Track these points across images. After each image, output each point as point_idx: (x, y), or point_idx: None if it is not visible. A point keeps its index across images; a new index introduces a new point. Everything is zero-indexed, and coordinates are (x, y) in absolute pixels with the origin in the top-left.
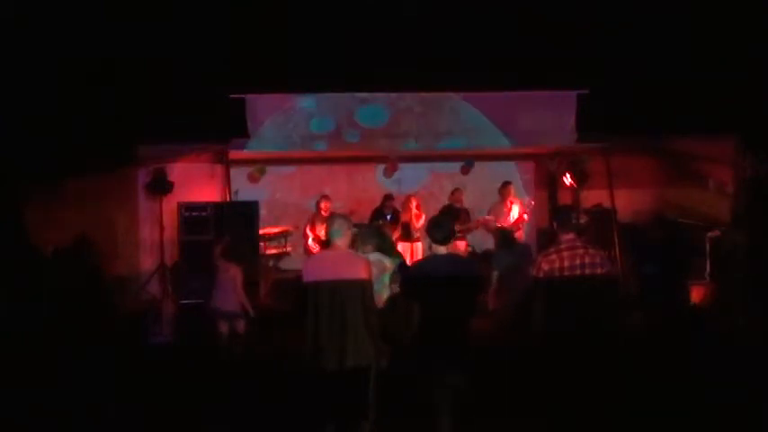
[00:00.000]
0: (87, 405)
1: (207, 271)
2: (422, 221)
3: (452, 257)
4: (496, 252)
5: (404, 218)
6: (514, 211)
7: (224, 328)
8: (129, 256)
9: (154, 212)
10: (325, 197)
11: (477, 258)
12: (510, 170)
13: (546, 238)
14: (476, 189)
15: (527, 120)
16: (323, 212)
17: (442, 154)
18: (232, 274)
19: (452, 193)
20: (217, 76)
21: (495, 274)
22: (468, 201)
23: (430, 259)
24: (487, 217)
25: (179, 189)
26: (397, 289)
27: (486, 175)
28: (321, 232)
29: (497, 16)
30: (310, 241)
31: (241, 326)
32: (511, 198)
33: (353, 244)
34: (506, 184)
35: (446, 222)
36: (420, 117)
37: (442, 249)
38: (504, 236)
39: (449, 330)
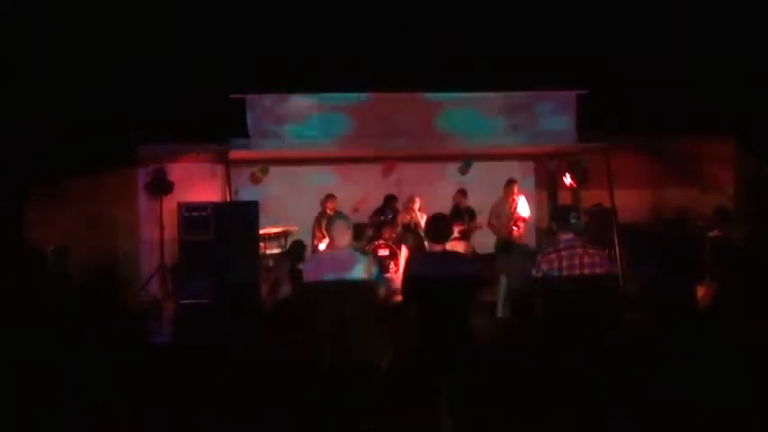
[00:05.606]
0: (87, 405)
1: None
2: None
3: (447, 255)
4: (498, 259)
5: (405, 218)
6: (522, 207)
7: None
8: (129, 256)
9: (154, 212)
10: (331, 196)
11: (479, 259)
12: (509, 170)
13: (546, 239)
14: (474, 189)
15: (527, 120)
16: (329, 212)
17: (442, 154)
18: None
19: (456, 193)
20: (217, 76)
21: (502, 278)
22: (466, 201)
23: (424, 258)
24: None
25: (179, 189)
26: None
27: (486, 175)
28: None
29: (497, 16)
30: (315, 241)
31: None
32: (514, 196)
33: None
34: (511, 182)
35: (443, 221)
36: (419, 117)
37: (437, 248)
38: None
39: (447, 330)
